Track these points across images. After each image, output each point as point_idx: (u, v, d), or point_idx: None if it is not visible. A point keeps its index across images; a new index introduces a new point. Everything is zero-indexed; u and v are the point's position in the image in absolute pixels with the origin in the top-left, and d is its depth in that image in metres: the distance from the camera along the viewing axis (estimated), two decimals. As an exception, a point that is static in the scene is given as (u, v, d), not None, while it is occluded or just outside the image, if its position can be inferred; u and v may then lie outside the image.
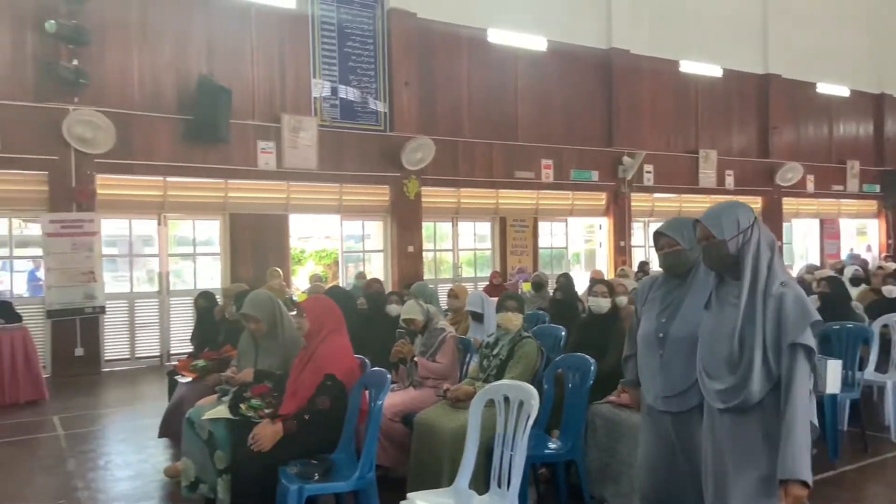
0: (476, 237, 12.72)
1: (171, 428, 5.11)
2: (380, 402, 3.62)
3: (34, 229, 9.05)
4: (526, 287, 9.60)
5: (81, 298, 8.72)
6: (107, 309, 8.97)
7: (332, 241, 11.75)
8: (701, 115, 14.87)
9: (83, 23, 8.37)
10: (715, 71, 14.96)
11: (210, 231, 10.19)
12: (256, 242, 10.04)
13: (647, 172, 13.68)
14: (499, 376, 4.10)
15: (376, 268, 11.29)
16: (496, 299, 5.36)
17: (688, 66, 14.57)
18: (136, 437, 5.87)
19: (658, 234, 2.79)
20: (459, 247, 12.36)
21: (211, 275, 10.03)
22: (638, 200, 13.81)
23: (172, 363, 8.28)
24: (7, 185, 8.52)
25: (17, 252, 9.04)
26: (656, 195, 14.16)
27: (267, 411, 3.77)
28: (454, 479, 3.29)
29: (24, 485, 4.64)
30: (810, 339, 2.21)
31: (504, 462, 3.03)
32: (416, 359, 4.66)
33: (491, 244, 12.60)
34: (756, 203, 15.62)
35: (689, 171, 14.39)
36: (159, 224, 9.63)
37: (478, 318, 5.80)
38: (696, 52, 14.48)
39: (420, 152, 10.92)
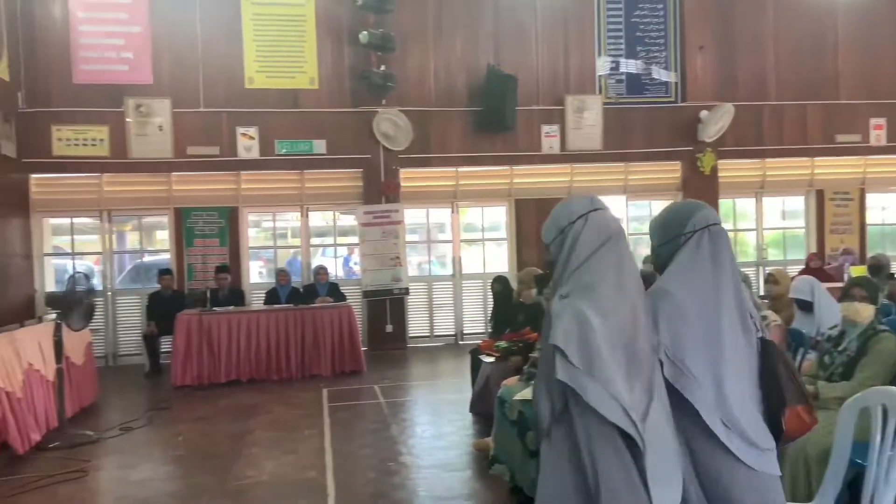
0: (785, 214, 11.21)
1: (480, 404, 5.34)
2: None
3: (344, 220, 10.26)
4: (856, 271, 8.11)
5: (390, 280, 9.67)
6: (410, 290, 9.81)
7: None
8: None
9: (389, 31, 9.20)
10: None
11: (496, 217, 10.54)
12: (540, 227, 10.05)
13: None
14: (846, 376, 3.53)
15: (665, 251, 10.58)
16: (826, 286, 4.70)
17: None
18: (443, 410, 6.27)
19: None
20: (764, 226, 11.00)
21: (497, 259, 10.37)
22: None
23: (468, 342, 8.75)
24: (332, 181, 9.79)
25: (337, 240, 10.33)
26: None
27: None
28: (793, 490, 2.96)
29: (360, 445, 5.22)
30: (558, 370, 1.64)
31: (879, 484, 2.47)
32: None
33: (804, 222, 10.99)
34: None
35: None
36: (452, 212, 10.24)
37: (805, 307, 4.99)
38: None
39: (720, 122, 9.93)
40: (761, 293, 5.85)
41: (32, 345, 5.62)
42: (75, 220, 9.50)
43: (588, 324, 1.66)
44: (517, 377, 4.50)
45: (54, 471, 4.79)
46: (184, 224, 9.30)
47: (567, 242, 1.81)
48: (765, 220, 10.99)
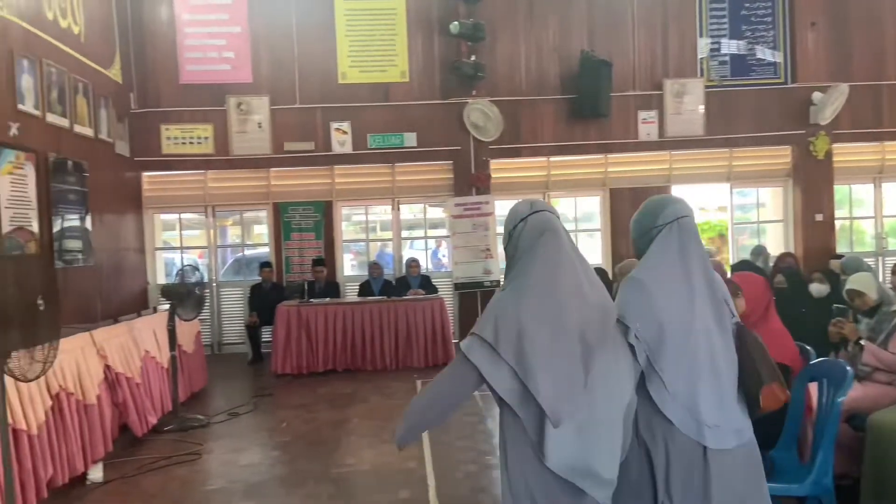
0: (906, 200, 10.34)
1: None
2: (839, 399, 3.02)
3: (432, 212, 10.25)
4: None
5: (481, 273, 9.61)
6: (501, 283, 9.71)
7: (715, 213, 10.79)
8: None
9: (479, 20, 9.12)
10: None
11: (590, 207, 10.26)
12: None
13: None
14: None
15: (772, 240, 9.99)
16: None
17: None
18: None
19: None
20: (883, 213, 10.16)
21: (591, 250, 10.08)
22: None
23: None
24: (422, 174, 9.83)
25: (427, 233, 10.36)
26: None
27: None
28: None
29: (457, 437, 5.19)
30: (466, 346, 1.91)
31: None
32: (862, 342, 3.85)
33: (928, 209, 10.12)
34: None
35: None
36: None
37: (941, 300, 4.57)
38: None
39: (835, 103, 9.24)
40: (888, 284, 5.34)
41: (148, 333, 5.94)
42: (182, 215, 10.02)
43: (505, 312, 1.87)
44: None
45: (170, 452, 5.04)
46: (281, 218, 9.61)
47: (512, 244, 2.00)
48: (884, 207, 10.15)
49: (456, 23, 8.97)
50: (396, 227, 10.01)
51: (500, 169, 9.76)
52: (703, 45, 9.67)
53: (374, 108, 9.49)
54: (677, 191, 9.83)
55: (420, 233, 10.38)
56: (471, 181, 9.60)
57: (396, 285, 8.89)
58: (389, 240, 10.20)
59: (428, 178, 9.85)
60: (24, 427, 3.72)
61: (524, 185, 9.97)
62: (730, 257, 9.83)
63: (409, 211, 10.42)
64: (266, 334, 8.95)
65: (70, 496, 4.24)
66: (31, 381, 2.96)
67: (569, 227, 10.23)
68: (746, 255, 8.76)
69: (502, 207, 10.09)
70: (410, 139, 9.52)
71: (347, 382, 7.36)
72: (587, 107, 9.27)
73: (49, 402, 4.07)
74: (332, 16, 9.44)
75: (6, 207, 5.91)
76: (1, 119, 5.94)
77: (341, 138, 9.47)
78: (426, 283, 8.88)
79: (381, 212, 10.41)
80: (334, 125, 9.46)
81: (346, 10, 9.46)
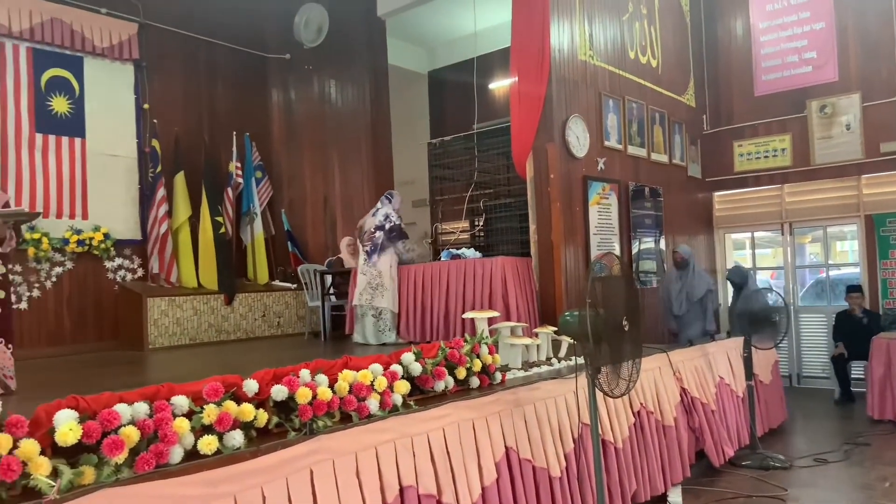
0: None
1: None
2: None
3: None
4: None
5: None
6: None
7: None
8: None
9: None
10: None
11: None
12: None
13: None
14: None
15: None
16: None
17: None
18: None
19: None
20: None
21: None
22: None
23: None
24: None
25: None
26: None
27: None
28: None
29: None
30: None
31: None
32: None
33: None
34: None
35: None
36: None
37: None
38: None
39: None
40: None
41: (723, 359, 5.71)
42: (755, 234, 9.50)
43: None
44: None
45: (750, 491, 4.65)
46: (876, 233, 8.07)
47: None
48: None
49: None
50: None
51: None
52: None
53: None
54: None
55: None
56: None
57: None
58: None
59: None
60: (611, 439, 3.95)
61: None
62: None
63: None
64: (857, 369, 7.63)
65: (652, 514, 4.32)
66: (616, 397, 3.07)
67: None
68: None
69: None
70: None
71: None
72: None
73: (632, 419, 4.24)
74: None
75: (594, 234, 6.63)
76: (591, 155, 6.72)
77: (966, 127, 7.36)
78: None
79: None
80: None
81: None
